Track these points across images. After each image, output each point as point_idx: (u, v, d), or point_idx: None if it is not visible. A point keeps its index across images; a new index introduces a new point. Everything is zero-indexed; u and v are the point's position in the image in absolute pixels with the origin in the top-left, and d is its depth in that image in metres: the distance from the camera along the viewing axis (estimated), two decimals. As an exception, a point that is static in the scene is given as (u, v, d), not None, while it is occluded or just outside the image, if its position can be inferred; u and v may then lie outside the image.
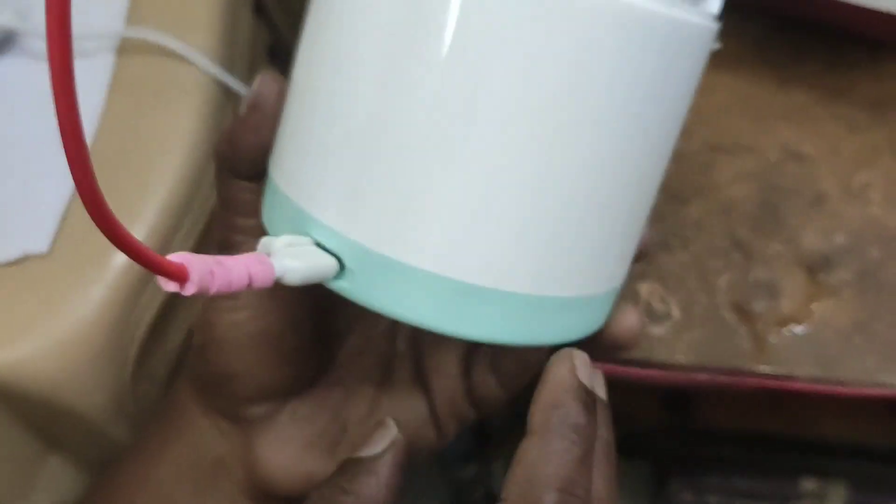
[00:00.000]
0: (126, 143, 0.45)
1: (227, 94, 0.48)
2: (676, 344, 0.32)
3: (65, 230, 0.42)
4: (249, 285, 0.19)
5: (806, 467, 0.55)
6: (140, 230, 0.42)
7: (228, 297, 0.26)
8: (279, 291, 0.24)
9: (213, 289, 0.18)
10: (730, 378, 0.32)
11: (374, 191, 0.20)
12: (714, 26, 0.22)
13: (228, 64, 0.48)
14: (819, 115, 0.37)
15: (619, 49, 0.19)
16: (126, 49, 0.47)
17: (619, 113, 0.20)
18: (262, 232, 0.25)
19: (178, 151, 0.45)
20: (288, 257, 0.20)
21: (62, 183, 0.44)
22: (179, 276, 0.17)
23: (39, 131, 0.46)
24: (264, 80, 0.24)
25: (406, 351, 0.29)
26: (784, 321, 0.33)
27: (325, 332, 0.28)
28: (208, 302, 0.26)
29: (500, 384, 0.27)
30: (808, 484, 0.57)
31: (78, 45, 0.47)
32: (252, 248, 0.25)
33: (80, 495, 0.47)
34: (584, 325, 0.23)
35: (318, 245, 0.21)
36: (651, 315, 0.32)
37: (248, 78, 0.51)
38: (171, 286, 0.18)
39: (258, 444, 0.28)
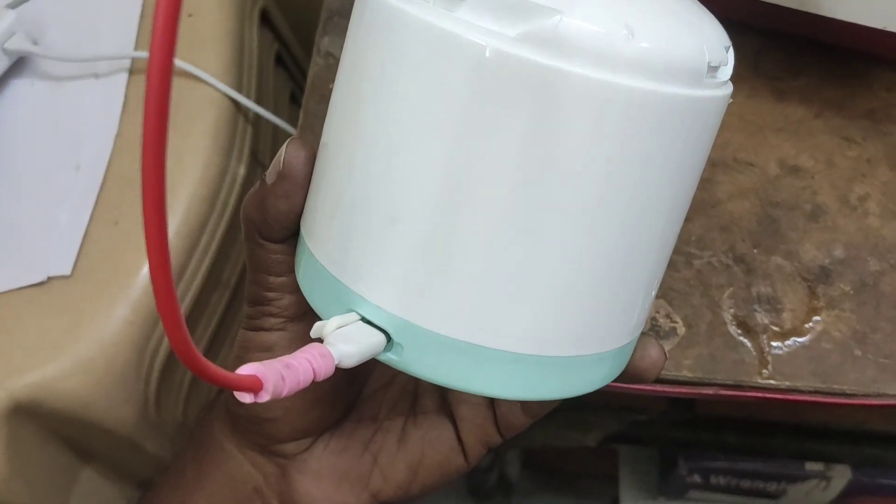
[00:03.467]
0: (141, 164, 0.46)
1: (238, 110, 0.49)
2: (682, 359, 0.34)
3: (86, 252, 0.43)
4: (314, 380, 0.20)
5: (810, 452, 0.57)
6: (159, 250, 0.43)
7: (263, 349, 0.27)
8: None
9: (285, 392, 0.19)
10: (734, 392, 0.33)
11: (426, 272, 0.21)
12: (729, 91, 0.23)
13: (237, 79, 0.49)
14: (815, 129, 0.38)
15: (654, 135, 0.21)
16: (138, 70, 0.48)
17: (653, 190, 0.22)
18: (294, 288, 0.26)
19: (193, 170, 0.46)
20: (342, 342, 0.21)
21: (81, 206, 0.45)
22: (255, 387, 0.19)
23: (55, 153, 0.47)
24: (292, 148, 0.24)
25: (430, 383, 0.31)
26: (786, 334, 0.34)
27: (353, 369, 0.30)
28: (241, 351, 0.28)
29: (525, 412, 0.29)
30: (814, 466, 0.59)
31: (92, 67, 0.48)
32: (284, 305, 0.27)
33: (114, 503, 0.49)
34: (617, 369, 0.25)
35: (365, 320, 0.22)
36: (657, 331, 0.34)
37: (257, 90, 0.52)
38: (247, 398, 0.19)
39: (294, 477, 0.29)
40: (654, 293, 0.25)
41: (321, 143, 0.25)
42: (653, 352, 0.27)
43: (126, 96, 0.48)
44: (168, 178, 0.46)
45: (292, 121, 0.54)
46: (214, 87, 0.47)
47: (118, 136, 0.47)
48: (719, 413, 0.54)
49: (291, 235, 0.26)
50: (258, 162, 0.52)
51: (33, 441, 0.44)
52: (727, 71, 0.23)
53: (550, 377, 0.23)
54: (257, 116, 0.51)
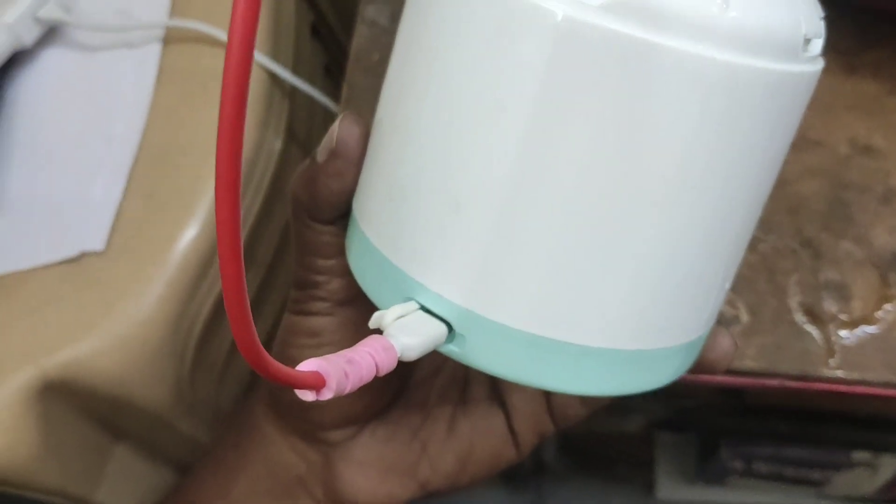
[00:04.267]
0: (176, 136, 0.45)
1: (274, 81, 0.47)
2: (746, 349, 0.32)
3: (119, 227, 0.42)
4: (377, 375, 0.19)
5: (858, 441, 0.55)
6: (194, 226, 0.42)
7: (310, 334, 0.26)
8: (362, 327, 0.24)
9: (348, 389, 0.18)
10: (800, 384, 0.31)
11: (492, 260, 0.20)
12: (821, 66, 0.21)
13: (274, 49, 0.47)
14: (889, 106, 0.36)
15: (750, 115, 0.19)
16: (172, 39, 0.47)
17: (742, 175, 0.20)
18: (343, 271, 0.25)
19: (228, 143, 0.44)
20: (404, 334, 0.20)
21: (114, 179, 0.43)
22: (317, 385, 0.17)
23: (87, 125, 0.46)
24: (346, 124, 0.23)
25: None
26: (855, 323, 0.32)
27: (401, 356, 0.28)
28: (287, 336, 0.26)
29: (583, 402, 0.27)
30: (860, 454, 0.57)
31: (124, 36, 0.47)
32: (333, 289, 0.25)
33: (148, 482, 0.48)
34: (689, 361, 0.23)
35: (425, 309, 0.21)
36: (719, 320, 0.32)
37: (293, 61, 0.50)
38: (309, 396, 0.17)
39: (339, 466, 0.28)
40: (730, 283, 0.23)
41: (375, 118, 0.23)
42: (724, 342, 0.25)
43: (160, 66, 0.47)
44: (201, 153, 0.45)
45: (328, 95, 0.53)
46: (251, 58, 0.46)
47: (152, 107, 0.45)
48: (768, 401, 0.52)
49: (342, 216, 0.25)
50: (294, 136, 0.51)
51: (66, 419, 0.43)
52: (820, 44, 0.21)
53: (622, 372, 0.22)
54: (294, 89, 0.49)
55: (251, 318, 0.15)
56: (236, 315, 0.14)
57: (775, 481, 0.63)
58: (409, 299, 0.21)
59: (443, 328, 0.21)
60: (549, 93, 0.18)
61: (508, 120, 0.19)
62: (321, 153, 0.24)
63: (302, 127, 0.53)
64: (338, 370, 0.18)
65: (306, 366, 0.17)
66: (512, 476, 0.71)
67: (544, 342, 0.20)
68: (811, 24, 0.20)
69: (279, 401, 0.29)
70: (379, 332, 0.21)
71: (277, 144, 0.47)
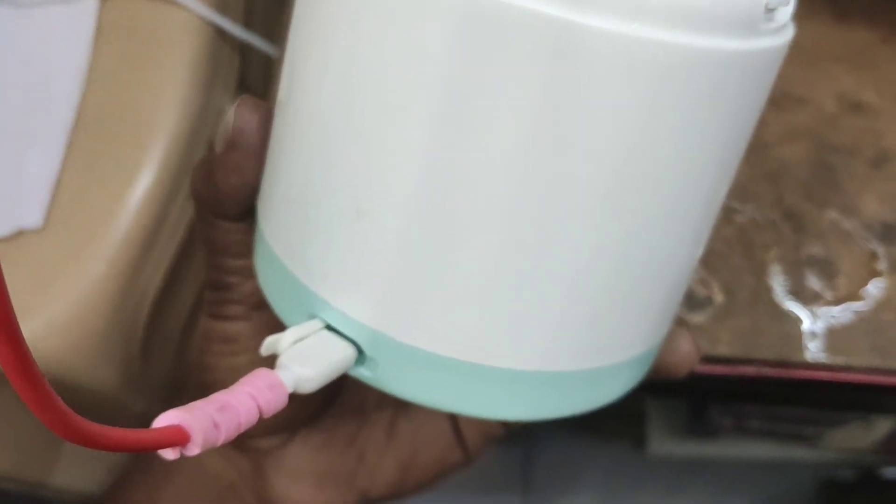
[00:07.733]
0: (116, 99, 0.42)
1: (223, 38, 0.44)
2: (719, 332, 0.29)
3: (58, 202, 0.40)
4: (261, 418, 0.17)
5: (848, 404, 0.53)
6: (136, 197, 0.39)
7: (225, 340, 0.23)
8: None
9: (222, 440, 0.16)
10: (779, 371, 0.29)
11: (401, 276, 0.17)
12: (789, 37, 0.18)
13: (221, 4, 0.44)
14: (883, 56, 0.32)
15: (698, 102, 0.16)
16: (109, -8, 0.43)
17: (693, 169, 0.17)
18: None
19: (173, 105, 0.41)
20: (299, 363, 0.17)
21: (52, 149, 0.41)
22: (179, 441, 0.15)
23: (23, 92, 0.43)
24: (241, 111, 0.20)
25: None
26: (840, 302, 0.30)
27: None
28: (204, 344, 0.24)
29: None
30: (854, 416, 0.55)
31: (56, -9, 0.43)
32: (247, 291, 0.23)
33: (106, 462, 0.47)
34: (640, 373, 0.21)
35: (331, 328, 0.18)
36: (690, 301, 0.29)
37: (244, 17, 0.47)
38: (173, 454, 0.15)
39: (270, 475, 0.26)
40: (685, 287, 0.21)
41: (278, 99, 0.20)
42: (683, 345, 0.23)
43: (99, 20, 0.43)
44: (143, 117, 0.42)
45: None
46: (196, 11, 0.42)
47: (90, 68, 0.42)
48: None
49: (250, 211, 0.22)
50: (248, 92, 0.47)
51: (14, 404, 0.41)
52: (788, 11, 0.18)
53: (560, 394, 0.19)
54: (245, 42, 0.46)
55: (48, 387, 0.12)
56: (26, 390, 0.12)
57: (768, 437, 0.61)
58: (313, 316, 0.19)
59: (350, 350, 0.18)
60: (453, 87, 0.15)
61: (409, 117, 0.16)
62: (218, 143, 0.21)
63: (258, 81, 0.50)
64: (204, 421, 0.15)
65: (165, 419, 0.15)
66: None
67: (468, 367, 0.18)
68: None
69: None
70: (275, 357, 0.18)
71: (227, 104, 0.44)
